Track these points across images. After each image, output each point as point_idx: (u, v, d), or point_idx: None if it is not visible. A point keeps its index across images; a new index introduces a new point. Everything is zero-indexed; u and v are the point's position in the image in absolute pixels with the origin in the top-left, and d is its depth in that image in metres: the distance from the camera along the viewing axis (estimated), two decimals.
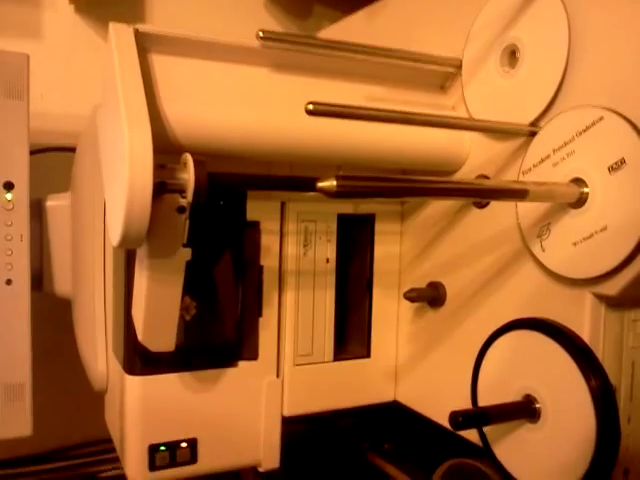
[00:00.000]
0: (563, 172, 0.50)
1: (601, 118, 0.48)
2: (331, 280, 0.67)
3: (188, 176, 0.45)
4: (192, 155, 0.46)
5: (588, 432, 0.46)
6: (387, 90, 0.62)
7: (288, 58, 0.58)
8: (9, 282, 0.63)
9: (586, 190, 0.48)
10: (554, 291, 0.52)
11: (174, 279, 0.51)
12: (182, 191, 0.46)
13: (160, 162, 0.45)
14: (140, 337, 0.53)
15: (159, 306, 0.51)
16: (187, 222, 0.48)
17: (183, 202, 0.47)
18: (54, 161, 0.80)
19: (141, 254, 0.50)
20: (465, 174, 0.63)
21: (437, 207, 0.66)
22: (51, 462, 0.88)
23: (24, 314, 0.64)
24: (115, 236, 0.46)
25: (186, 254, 0.50)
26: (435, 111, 0.53)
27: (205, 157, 0.47)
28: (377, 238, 0.70)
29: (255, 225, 0.62)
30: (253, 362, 0.63)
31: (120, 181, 0.44)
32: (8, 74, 0.63)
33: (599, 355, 0.48)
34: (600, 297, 0.49)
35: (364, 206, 0.68)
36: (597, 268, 0.48)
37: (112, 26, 0.49)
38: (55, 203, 0.72)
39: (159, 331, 0.53)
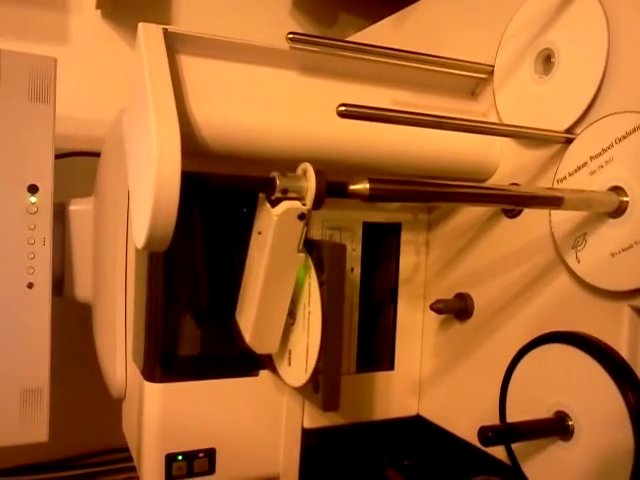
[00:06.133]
0: (601, 180, 0.49)
1: None
2: (355, 290, 0.66)
3: (308, 184, 0.48)
4: (310, 164, 0.49)
5: (625, 450, 0.44)
6: (416, 95, 0.62)
7: (317, 61, 0.57)
8: (30, 286, 0.62)
9: (625, 199, 0.47)
10: (589, 304, 0.50)
11: (287, 283, 0.53)
12: (301, 198, 0.49)
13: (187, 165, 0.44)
14: (248, 340, 0.55)
15: (271, 310, 0.53)
16: (305, 229, 0.51)
17: (303, 209, 0.49)
18: (78, 166, 0.80)
19: (256, 259, 0.52)
20: (496, 182, 0.61)
21: (465, 216, 0.64)
22: (66, 470, 0.88)
23: (45, 318, 0.63)
24: (140, 238, 0.45)
25: (299, 259, 0.52)
26: (467, 117, 0.52)
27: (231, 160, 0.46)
28: (403, 248, 0.69)
29: None
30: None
31: (147, 182, 0.43)
32: (35, 77, 0.63)
33: (637, 371, 0.47)
34: (639, 310, 0.47)
35: (390, 215, 0.67)
36: (636, 280, 0.46)
37: (141, 26, 0.49)
38: (78, 207, 0.72)
39: (267, 334, 0.55)
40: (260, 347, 0.56)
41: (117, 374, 0.68)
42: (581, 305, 0.51)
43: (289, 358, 0.57)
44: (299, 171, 0.50)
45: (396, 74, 0.61)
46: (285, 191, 0.48)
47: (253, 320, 0.54)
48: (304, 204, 0.49)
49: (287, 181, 0.48)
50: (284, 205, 0.48)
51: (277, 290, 0.53)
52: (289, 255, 0.51)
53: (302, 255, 0.52)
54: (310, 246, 0.53)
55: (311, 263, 0.53)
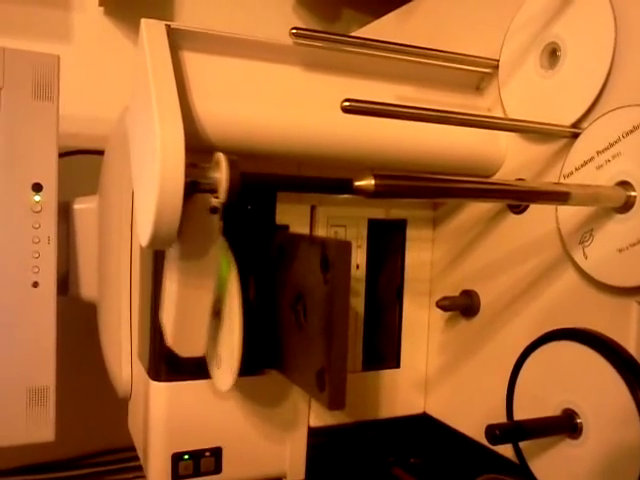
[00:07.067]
0: (608, 175, 0.48)
1: None
2: (361, 287, 0.66)
3: (221, 175, 0.44)
4: (225, 154, 0.44)
5: (635, 448, 0.44)
6: (421, 91, 0.61)
7: (320, 57, 0.57)
8: (36, 285, 0.62)
9: (633, 194, 0.46)
10: (597, 300, 0.49)
11: (206, 281, 0.50)
12: (214, 191, 0.45)
13: (191, 161, 0.44)
14: (169, 342, 0.52)
15: (190, 309, 0.50)
16: (220, 223, 0.47)
17: (215, 202, 0.46)
18: (82, 164, 0.80)
19: (172, 256, 0.49)
20: (502, 178, 0.60)
21: (471, 213, 0.64)
22: (72, 469, 0.88)
23: (50, 317, 0.63)
24: (145, 236, 0.45)
25: (217, 254, 0.49)
26: (472, 112, 0.52)
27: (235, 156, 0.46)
28: (408, 244, 0.68)
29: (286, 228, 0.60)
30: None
31: (151, 179, 0.43)
32: (38, 75, 0.62)
33: None
34: None
35: (395, 211, 0.67)
36: None
37: (144, 22, 0.49)
38: (83, 206, 0.72)
39: (189, 335, 0.52)
40: (183, 350, 0.53)
41: (123, 373, 0.68)
42: (588, 302, 0.50)
43: (218, 361, 0.55)
44: (213, 161, 0.46)
45: (400, 69, 0.60)
46: (195, 183, 0.44)
47: (172, 321, 0.51)
48: (217, 197, 0.45)
49: (198, 172, 0.45)
50: (195, 198, 0.45)
51: (195, 288, 0.50)
52: (204, 251, 0.48)
53: (220, 251, 0.50)
54: (315, 243, 0.52)
55: (232, 259, 0.51)
